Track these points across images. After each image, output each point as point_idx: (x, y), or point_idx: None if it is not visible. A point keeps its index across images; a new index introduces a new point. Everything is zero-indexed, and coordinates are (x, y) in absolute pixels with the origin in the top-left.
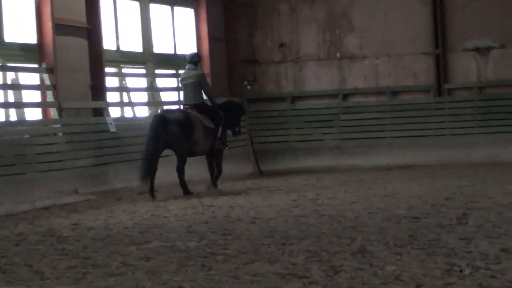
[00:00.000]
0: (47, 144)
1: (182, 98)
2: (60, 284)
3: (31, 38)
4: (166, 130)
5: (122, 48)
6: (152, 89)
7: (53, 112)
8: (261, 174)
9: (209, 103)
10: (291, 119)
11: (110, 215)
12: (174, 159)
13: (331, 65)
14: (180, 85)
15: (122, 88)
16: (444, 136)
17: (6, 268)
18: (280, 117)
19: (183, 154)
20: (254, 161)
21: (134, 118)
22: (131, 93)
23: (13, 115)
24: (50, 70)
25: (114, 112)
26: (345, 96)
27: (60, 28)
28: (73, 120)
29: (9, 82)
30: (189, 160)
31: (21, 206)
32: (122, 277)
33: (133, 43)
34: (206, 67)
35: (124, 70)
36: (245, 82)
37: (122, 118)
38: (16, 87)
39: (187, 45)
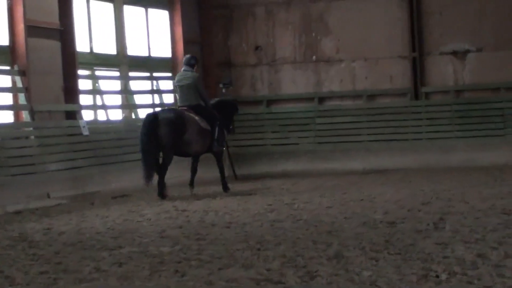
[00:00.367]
0: (19, 148)
1: (178, 100)
2: None
3: (3, 40)
4: (156, 129)
5: (95, 50)
6: (126, 92)
7: (25, 115)
8: (236, 178)
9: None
10: (267, 122)
11: (83, 219)
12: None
13: (307, 68)
14: (176, 87)
15: (95, 91)
16: (420, 140)
17: None
18: (255, 120)
19: (168, 155)
20: (229, 165)
21: (108, 121)
22: (105, 96)
23: None
24: (22, 73)
25: (87, 115)
26: (321, 100)
27: (33, 29)
28: (46, 123)
29: None
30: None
31: None
32: (94, 283)
33: (106, 45)
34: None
35: (98, 73)
36: (220, 85)
37: (95, 121)
38: None
39: (162, 48)
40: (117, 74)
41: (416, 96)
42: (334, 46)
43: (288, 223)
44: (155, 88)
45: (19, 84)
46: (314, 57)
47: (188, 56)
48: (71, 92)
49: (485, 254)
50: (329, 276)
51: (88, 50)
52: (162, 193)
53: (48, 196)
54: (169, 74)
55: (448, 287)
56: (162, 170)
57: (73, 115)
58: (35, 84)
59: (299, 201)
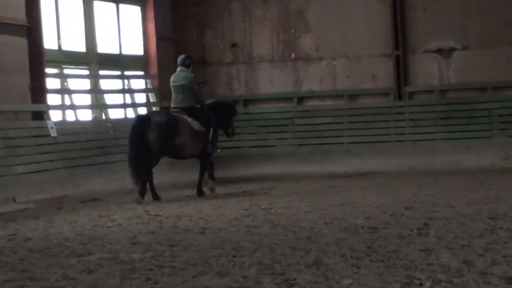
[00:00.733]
0: None
1: (172, 101)
2: None
3: None
4: (144, 132)
5: (64, 48)
6: (96, 91)
7: None
8: (214, 180)
9: (199, 106)
10: (243, 123)
11: (50, 225)
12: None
13: (285, 67)
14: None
15: (63, 90)
16: (404, 142)
17: None
18: None
19: (155, 159)
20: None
21: (77, 122)
22: (74, 95)
23: None
24: None
25: (55, 116)
26: (300, 100)
27: None
28: (11, 124)
29: None
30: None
31: None
32: None
33: (75, 43)
34: (153, 68)
35: (66, 71)
36: None
37: (63, 122)
38: None
39: (133, 45)
40: (86, 72)
41: (400, 96)
42: (313, 43)
43: (265, 229)
44: (126, 87)
45: None
46: (293, 55)
47: (182, 56)
48: (38, 92)
49: (471, 261)
50: (308, 284)
51: (56, 48)
52: (143, 195)
53: (14, 200)
54: (141, 73)
55: None
56: (147, 173)
57: (41, 115)
58: (0, 83)
59: (277, 206)
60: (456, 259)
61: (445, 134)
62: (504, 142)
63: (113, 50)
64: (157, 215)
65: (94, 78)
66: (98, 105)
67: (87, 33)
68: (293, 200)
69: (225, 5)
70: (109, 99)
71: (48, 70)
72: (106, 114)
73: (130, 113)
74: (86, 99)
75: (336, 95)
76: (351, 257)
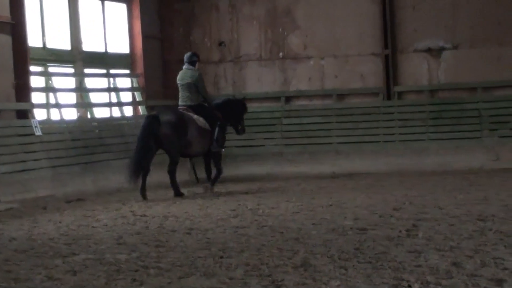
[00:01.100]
0: None
1: (179, 99)
2: None
3: None
4: (157, 131)
5: (48, 45)
6: (81, 90)
7: None
8: (197, 182)
9: (206, 104)
10: None
11: (34, 225)
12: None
13: (273, 66)
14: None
15: (48, 89)
16: (393, 142)
17: None
18: None
19: (175, 155)
20: (191, 168)
21: (62, 121)
22: (58, 94)
23: None
24: None
25: (40, 114)
26: (288, 99)
27: None
28: None
29: None
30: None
31: None
32: None
33: (60, 40)
34: (139, 67)
35: (51, 69)
36: None
37: (48, 121)
38: None
39: (119, 43)
40: (71, 70)
41: (389, 96)
42: (302, 42)
43: (252, 230)
44: (112, 86)
45: None
46: (280, 54)
47: (189, 53)
48: (22, 90)
49: (460, 263)
50: (295, 285)
51: (41, 45)
52: (144, 194)
53: None
54: (127, 71)
55: None
56: (170, 174)
57: (25, 114)
58: None
59: (264, 206)
60: (445, 261)
61: (435, 134)
62: (494, 142)
63: (99, 48)
64: (143, 215)
65: (79, 76)
66: (83, 104)
67: (72, 31)
68: (281, 201)
69: (212, 3)
70: (94, 97)
71: (33, 68)
72: (92, 113)
73: (116, 112)
74: (71, 98)
75: (325, 95)
76: (339, 259)
